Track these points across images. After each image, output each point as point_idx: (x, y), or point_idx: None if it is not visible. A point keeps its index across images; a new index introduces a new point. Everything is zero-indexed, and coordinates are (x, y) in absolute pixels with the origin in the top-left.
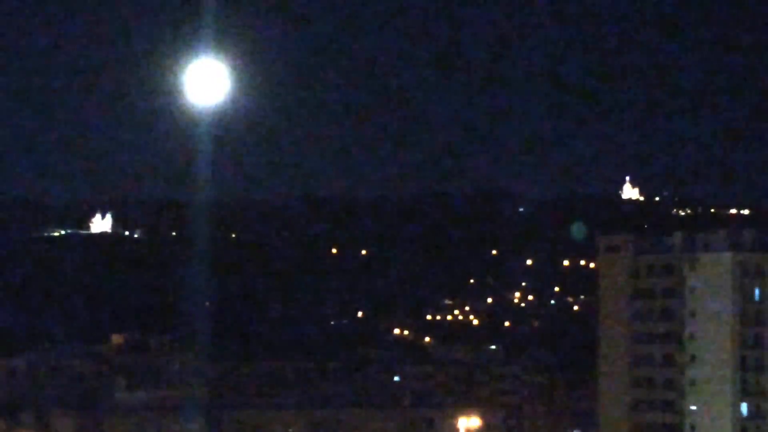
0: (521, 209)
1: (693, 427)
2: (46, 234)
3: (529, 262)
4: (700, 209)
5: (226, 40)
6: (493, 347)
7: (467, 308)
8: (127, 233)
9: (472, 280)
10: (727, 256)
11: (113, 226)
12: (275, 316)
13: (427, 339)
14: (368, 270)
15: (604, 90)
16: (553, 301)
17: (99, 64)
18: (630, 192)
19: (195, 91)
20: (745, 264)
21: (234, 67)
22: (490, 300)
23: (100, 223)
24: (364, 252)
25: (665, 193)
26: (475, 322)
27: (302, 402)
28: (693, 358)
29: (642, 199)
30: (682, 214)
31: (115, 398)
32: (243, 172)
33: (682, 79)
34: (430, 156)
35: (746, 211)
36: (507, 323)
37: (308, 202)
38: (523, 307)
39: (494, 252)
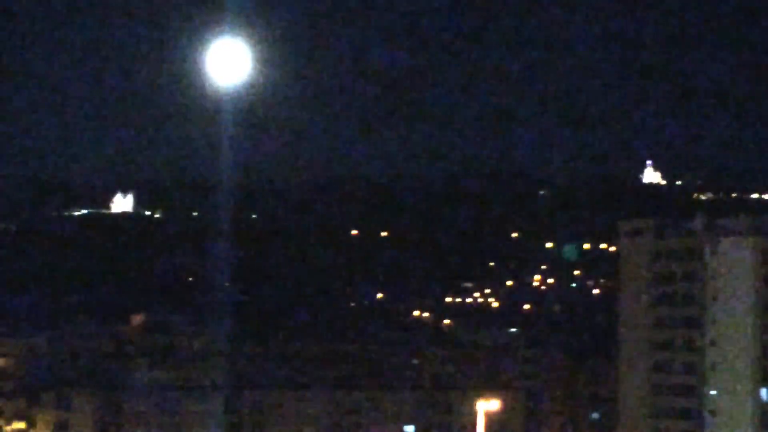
0: (542, 192)
1: (713, 413)
2: (67, 213)
3: (549, 245)
4: (722, 193)
5: (247, 21)
6: (513, 330)
7: (487, 291)
8: (148, 213)
9: (492, 263)
10: (748, 240)
11: (134, 206)
12: (295, 298)
13: (446, 322)
14: (388, 252)
15: (626, 73)
16: (573, 285)
17: (121, 46)
18: (652, 176)
19: (217, 72)
20: (767, 249)
21: (256, 48)
22: (510, 283)
23: (122, 203)
24: (384, 234)
25: (687, 178)
26: (495, 304)
27: (322, 383)
28: (713, 342)
29: (664, 182)
30: (704, 198)
31: (136, 378)
32: (264, 152)
33: (705, 62)
34: (452, 138)
35: None
36: (527, 306)
37: (329, 183)
38: (543, 291)
39: (515, 235)
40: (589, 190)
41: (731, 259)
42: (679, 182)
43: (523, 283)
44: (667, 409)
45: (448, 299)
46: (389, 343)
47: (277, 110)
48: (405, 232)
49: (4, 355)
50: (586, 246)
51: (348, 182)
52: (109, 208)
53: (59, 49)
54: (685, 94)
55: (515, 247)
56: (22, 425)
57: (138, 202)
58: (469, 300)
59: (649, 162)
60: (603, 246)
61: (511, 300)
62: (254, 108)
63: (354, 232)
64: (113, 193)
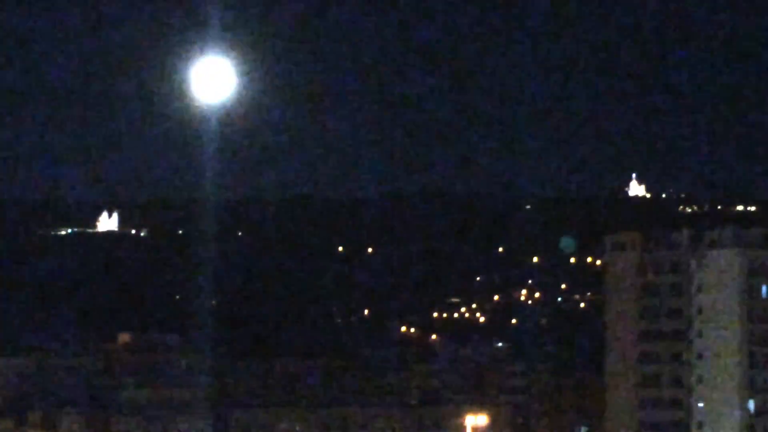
0: (528, 206)
1: (701, 425)
2: (53, 233)
3: (535, 259)
4: (707, 206)
5: (231, 38)
6: (500, 345)
7: (474, 306)
8: (133, 232)
9: (478, 278)
10: (734, 253)
11: (120, 225)
12: (281, 315)
13: (433, 337)
14: (374, 268)
15: (610, 86)
16: (560, 299)
17: (105, 63)
18: (637, 189)
19: (201, 89)
20: (753, 261)
21: (239, 65)
22: (496, 297)
23: (107, 222)
24: (370, 250)
25: (672, 190)
26: (482, 319)
27: (309, 401)
28: (700, 355)
29: (649, 196)
30: (689, 211)
31: (122, 397)
32: (248, 170)
33: (690, 75)
34: (437, 154)
35: (753, 208)
36: (514, 321)
37: (314, 200)
38: (529, 305)
39: (500, 249)
40: (575, 203)
41: (717, 271)
42: (664, 195)
43: (510, 298)
44: (655, 423)
45: (435, 314)
46: (376, 359)
47: (263, 128)
48: (391, 249)
49: None
50: (572, 260)
51: (334, 199)
52: (94, 227)
53: (42, 69)
54: (669, 106)
55: (501, 262)
56: None
57: (123, 221)
58: (455, 315)
59: (634, 175)
60: (589, 259)
61: (497, 314)
62: (239, 125)
63: (340, 248)
64: (99, 213)
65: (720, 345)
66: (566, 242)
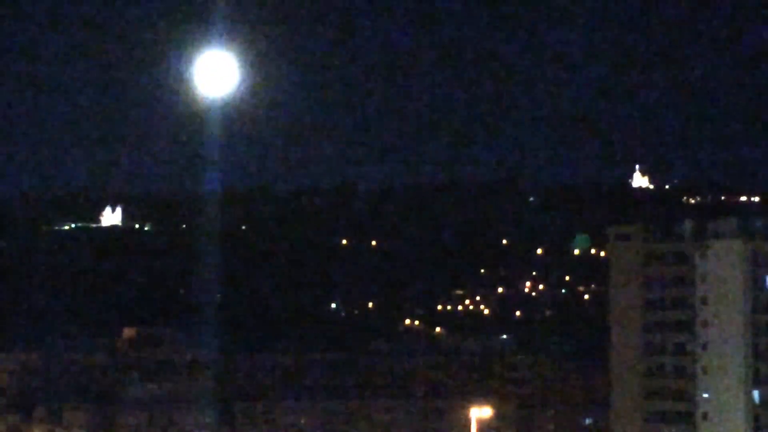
0: (531, 198)
1: (705, 415)
2: (56, 228)
3: (539, 251)
4: (710, 197)
5: (235, 32)
6: (505, 337)
7: (478, 298)
8: (137, 226)
9: (482, 270)
10: (738, 243)
11: (123, 220)
12: (285, 308)
13: (438, 329)
14: (378, 261)
15: (613, 77)
16: (564, 290)
17: (109, 57)
18: (640, 180)
19: (205, 83)
20: (757, 251)
21: (243, 59)
22: (501, 289)
23: (111, 217)
24: (374, 243)
25: (675, 181)
26: (486, 311)
27: (314, 393)
28: (705, 346)
29: (652, 187)
30: (693, 202)
31: (128, 391)
32: (252, 163)
33: (692, 67)
34: (440, 145)
35: (757, 199)
36: (518, 313)
37: (318, 193)
38: (534, 297)
39: (504, 241)
40: (578, 195)
41: (721, 262)
42: (667, 186)
43: (514, 290)
44: (660, 413)
45: (439, 307)
46: (381, 352)
47: (266, 121)
48: (395, 241)
49: None
50: (576, 251)
51: (337, 191)
52: (98, 221)
53: (46, 64)
54: (672, 97)
55: (505, 254)
56: None
57: (127, 216)
58: (460, 307)
59: (637, 166)
60: (593, 251)
61: (502, 306)
62: (243, 118)
63: (344, 241)
64: (102, 207)
65: (724, 336)
66: (581, 240)
